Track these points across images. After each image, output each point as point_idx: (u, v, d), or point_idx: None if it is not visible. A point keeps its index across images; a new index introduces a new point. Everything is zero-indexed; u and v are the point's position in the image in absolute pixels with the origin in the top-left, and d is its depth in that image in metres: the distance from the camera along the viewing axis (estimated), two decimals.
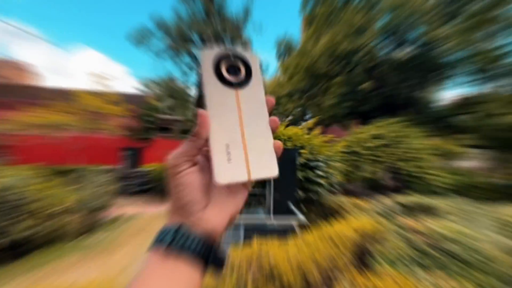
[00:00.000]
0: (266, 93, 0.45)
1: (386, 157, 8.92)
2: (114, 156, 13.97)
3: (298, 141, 5.78)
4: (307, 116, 23.47)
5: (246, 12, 14.19)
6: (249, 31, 20.34)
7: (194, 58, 14.26)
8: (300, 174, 5.14)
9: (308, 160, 5.34)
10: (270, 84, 26.12)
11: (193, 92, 15.17)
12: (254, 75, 0.43)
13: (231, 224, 0.41)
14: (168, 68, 19.19)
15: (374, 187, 15.26)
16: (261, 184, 5.81)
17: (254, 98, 0.42)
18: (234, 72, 0.42)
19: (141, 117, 17.37)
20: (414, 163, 8.84)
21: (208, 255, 0.37)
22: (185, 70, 14.74)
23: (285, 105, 19.10)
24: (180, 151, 0.39)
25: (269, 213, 4.40)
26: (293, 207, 4.02)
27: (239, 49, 0.43)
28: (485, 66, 12.80)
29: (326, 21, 15.75)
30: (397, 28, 12.83)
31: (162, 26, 13.38)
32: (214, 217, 0.38)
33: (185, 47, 12.91)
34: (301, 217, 3.48)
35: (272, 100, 0.44)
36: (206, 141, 0.39)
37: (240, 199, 0.41)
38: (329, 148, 6.08)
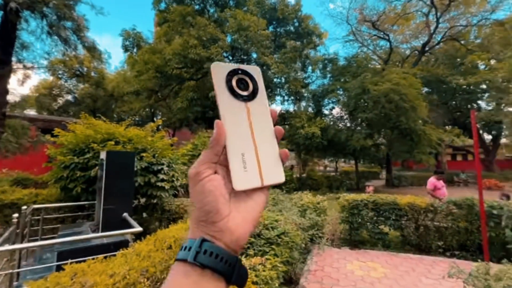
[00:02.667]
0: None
1: None
2: None
3: (140, 143, 5.29)
4: (157, 118, 22.27)
5: None
6: (85, 9, 16.74)
7: None
8: (140, 179, 4.71)
9: (151, 163, 5.01)
10: (114, 78, 22.69)
11: None
12: (259, 89, 0.45)
13: (253, 232, 0.33)
14: None
15: None
16: (91, 194, 4.84)
17: (261, 110, 0.44)
18: (244, 86, 0.44)
19: None
20: None
21: (232, 270, 0.36)
22: None
23: (131, 104, 17.20)
24: (201, 159, 0.40)
25: (98, 228, 3.71)
26: (128, 218, 3.59)
27: (245, 66, 0.45)
28: (296, 90, 17.23)
29: (180, 23, 15.67)
30: (240, 47, 14.74)
31: None
32: (237, 227, 0.37)
33: None
34: (137, 227, 3.17)
35: (275, 111, 0.46)
36: (223, 149, 0.40)
37: (260, 204, 0.41)
38: (175, 151, 5.99)
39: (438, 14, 19.45)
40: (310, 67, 21.02)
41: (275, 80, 17.40)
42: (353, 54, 20.79)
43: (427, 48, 20.97)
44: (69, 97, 23.20)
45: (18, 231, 3.33)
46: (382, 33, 21.40)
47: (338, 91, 17.40)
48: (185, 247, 0.37)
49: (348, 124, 16.81)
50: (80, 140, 5.15)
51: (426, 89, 20.60)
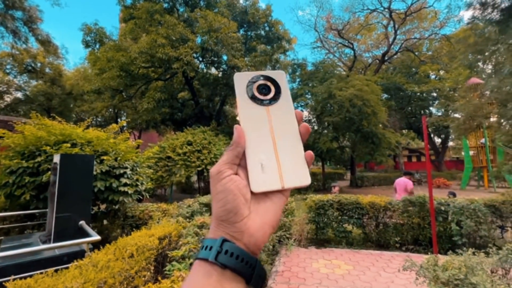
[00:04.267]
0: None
1: (198, 161, 9.81)
2: None
3: (100, 145, 4.96)
4: (121, 119, 21.07)
5: None
6: (39, 0, 15.32)
7: None
8: (100, 184, 4.40)
9: (112, 167, 4.71)
10: (73, 76, 21.04)
11: None
12: (283, 91, 0.46)
13: (271, 235, 0.29)
14: None
15: (186, 190, 16.16)
16: (42, 201, 4.41)
17: (284, 113, 0.44)
18: (265, 91, 0.45)
19: None
20: None
21: (252, 271, 0.36)
22: None
23: (92, 103, 16.05)
24: (223, 159, 0.40)
25: (49, 238, 3.39)
26: (85, 226, 3.33)
27: (268, 71, 0.46)
28: None
29: (148, 20, 15.02)
30: (210, 48, 14.57)
31: None
32: (256, 229, 0.38)
33: None
34: (95, 236, 2.95)
35: (300, 113, 0.46)
36: (244, 152, 0.41)
37: (280, 207, 0.41)
38: (139, 154, 5.72)
39: (396, 26, 21.14)
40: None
41: None
42: (321, 60, 21.72)
43: (386, 58, 22.66)
44: (19, 95, 20.99)
45: None
46: (347, 41, 22.67)
47: (307, 95, 18.01)
48: (206, 247, 0.37)
49: (316, 127, 17.45)
50: (30, 142, 4.69)
51: (385, 96, 22.21)
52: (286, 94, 0.46)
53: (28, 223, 4.81)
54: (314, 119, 17.41)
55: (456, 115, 18.73)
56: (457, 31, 19.90)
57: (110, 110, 19.72)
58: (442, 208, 5.11)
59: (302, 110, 19.63)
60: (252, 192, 0.39)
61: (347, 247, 5.47)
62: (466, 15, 32.87)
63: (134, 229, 4.61)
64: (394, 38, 21.58)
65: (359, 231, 5.87)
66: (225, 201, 0.38)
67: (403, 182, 6.40)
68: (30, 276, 2.11)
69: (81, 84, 18.05)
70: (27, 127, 4.89)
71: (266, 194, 0.40)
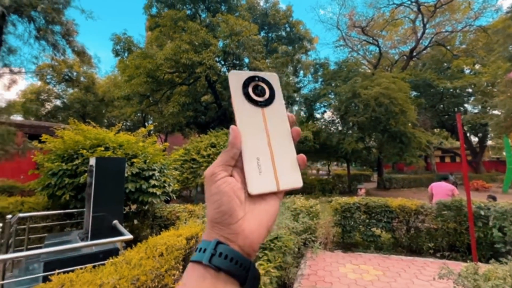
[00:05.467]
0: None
1: None
2: None
3: (130, 149, 5.22)
4: (149, 123, 22.02)
5: None
6: (75, 14, 16.51)
7: None
8: (131, 185, 4.63)
9: (142, 169, 4.94)
10: (104, 83, 22.39)
11: None
12: (277, 94, 0.46)
13: (266, 237, 0.37)
14: None
15: None
16: (79, 201, 4.73)
17: (278, 115, 0.44)
18: (260, 92, 0.44)
19: None
20: None
21: (246, 273, 0.36)
22: None
23: (122, 108, 16.96)
24: (218, 161, 0.40)
25: (87, 236, 3.62)
26: (118, 225, 3.52)
27: (262, 72, 0.46)
28: (288, 95, 17.37)
29: (172, 27, 15.62)
30: (232, 51, 14.79)
31: None
32: (251, 230, 0.37)
33: None
34: (128, 235, 3.10)
35: (293, 116, 0.47)
36: (240, 153, 0.40)
37: (274, 210, 0.41)
38: (166, 156, 5.93)
39: (425, 20, 20.05)
40: (301, 72, 21.27)
41: None
42: (344, 58, 21.16)
43: (414, 53, 21.54)
44: (58, 102, 22.72)
45: (2, 241, 3.22)
46: (371, 38, 21.89)
47: (330, 95, 17.63)
48: (200, 249, 0.37)
49: (340, 128, 17.00)
50: (69, 146, 5.05)
51: (414, 93, 21.10)
52: (279, 97, 0.46)
53: (68, 221, 5.18)
54: (338, 119, 16.98)
55: (495, 112, 17.32)
56: (495, 21, 18.42)
57: (138, 114, 20.70)
58: (482, 212, 4.73)
59: (325, 111, 19.32)
60: (248, 194, 0.39)
61: (376, 252, 5.25)
62: (505, 3, 30.32)
63: (162, 229, 4.80)
64: (423, 33, 20.46)
65: (389, 236, 5.61)
66: (219, 203, 0.37)
67: (445, 187, 5.64)
68: (72, 271, 2.26)
69: (112, 91, 19.15)
70: (66, 132, 5.27)
71: (261, 196, 0.40)
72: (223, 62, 16.63)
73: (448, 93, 22.62)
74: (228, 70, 17.40)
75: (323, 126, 17.72)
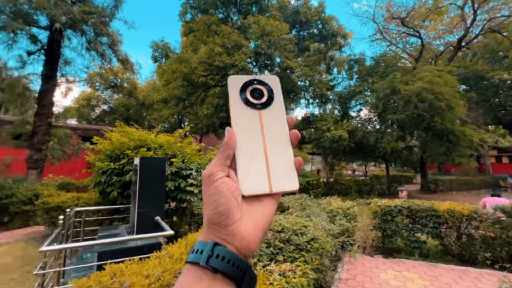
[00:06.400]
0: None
1: None
2: None
3: (170, 149, 5.50)
4: (185, 124, 23.06)
5: (117, 1, 12.33)
6: (119, 25, 17.94)
7: (39, 44, 11.00)
8: (170, 184, 4.88)
9: (180, 169, 5.18)
10: (145, 88, 23.97)
11: (36, 86, 11.57)
12: (276, 97, 0.46)
13: (263, 239, 0.36)
14: None
15: None
16: (125, 198, 5.12)
17: (276, 118, 0.45)
18: (258, 95, 0.45)
19: None
20: None
21: (243, 275, 0.36)
22: (24, 56, 11.08)
23: (160, 111, 18.01)
24: (214, 161, 0.40)
25: (133, 230, 3.90)
26: (160, 221, 3.73)
27: (262, 76, 0.47)
28: (321, 93, 16.93)
29: (205, 31, 16.19)
30: (264, 52, 14.85)
31: None
32: (248, 232, 0.37)
33: (22, 27, 9.67)
34: (169, 230, 3.28)
35: (293, 118, 0.46)
36: (234, 154, 0.41)
37: (271, 211, 0.41)
38: (202, 156, 6.15)
39: (475, 5, 18.10)
40: (335, 69, 20.57)
41: (299, 83, 17.25)
42: (381, 53, 19.97)
43: (463, 43, 19.55)
44: (105, 107, 24.89)
45: (63, 232, 3.61)
46: (412, 30, 20.37)
47: (366, 92, 16.78)
48: (197, 250, 0.37)
49: (378, 126, 16.10)
50: (116, 147, 5.48)
51: (463, 87, 19.15)
52: (279, 99, 0.46)
53: (115, 216, 5.64)
54: (376, 117, 16.11)
55: None
56: None
57: (175, 116, 21.77)
58: None
59: (360, 109, 18.45)
60: (242, 195, 0.39)
61: (421, 259, 4.87)
62: None
63: (200, 226, 4.98)
64: (474, 20, 18.48)
65: (436, 242, 5.17)
66: (217, 204, 0.37)
67: (501, 202, 4.94)
68: (122, 261, 2.45)
69: (151, 95, 20.42)
70: (114, 134, 5.73)
71: (257, 198, 0.40)
72: (254, 63, 16.77)
73: (505, 86, 20.11)
74: (260, 70, 17.51)
75: (359, 125, 16.94)
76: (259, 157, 0.42)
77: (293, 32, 18.94)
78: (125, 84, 23.30)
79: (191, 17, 18.92)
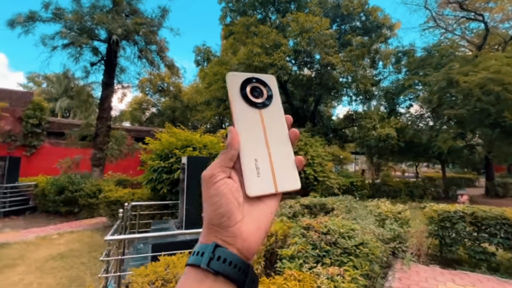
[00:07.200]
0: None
1: None
2: None
3: (213, 149, 5.72)
4: (225, 125, 23.83)
5: (163, 11, 13.30)
6: (165, 33, 19.28)
7: (99, 55, 12.41)
8: None
9: None
10: (188, 91, 25.36)
11: (97, 93, 13.07)
12: (274, 96, 0.47)
13: (264, 240, 0.40)
14: (65, 63, 16.14)
15: None
16: (174, 194, 5.46)
17: (276, 117, 0.45)
18: (258, 94, 0.45)
19: (23, 119, 13.86)
20: (317, 168, 10.07)
21: (245, 277, 0.36)
22: (88, 67, 12.61)
23: (203, 112, 18.86)
24: (216, 162, 0.40)
25: (181, 225, 4.14)
26: None
27: (260, 74, 0.47)
28: (365, 89, 16.00)
29: (244, 33, 16.50)
30: (303, 49, 14.58)
31: (57, 13, 11.10)
32: (250, 233, 0.37)
33: (86, 42, 11.00)
34: None
35: (290, 117, 0.47)
36: (238, 155, 0.41)
37: (273, 212, 0.41)
38: None
39: None
40: (381, 63, 19.27)
41: (341, 79, 16.54)
42: (435, 42, 18.09)
43: None
44: (154, 110, 26.99)
45: (122, 223, 3.98)
46: (473, 14, 18.05)
47: (417, 86, 15.38)
48: (197, 252, 0.37)
49: (431, 123, 14.64)
50: (165, 147, 5.89)
51: None
52: (277, 98, 0.46)
53: (165, 211, 6.06)
54: (428, 113, 14.68)
55: None
56: None
57: (216, 117, 22.61)
58: None
59: (410, 105, 16.96)
60: (246, 196, 0.38)
61: (489, 273, 4.28)
62: None
63: None
64: None
65: (508, 255, 4.51)
66: (218, 205, 0.37)
67: None
68: (173, 254, 2.62)
69: (195, 97, 21.50)
70: (163, 135, 6.16)
71: (259, 198, 0.39)
72: (293, 61, 16.57)
73: None
74: (299, 69, 17.24)
75: (409, 122, 15.62)
76: (263, 157, 0.41)
77: (334, 26, 18.22)
78: (171, 88, 24.94)
79: (231, 20, 19.43)
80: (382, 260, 3.54)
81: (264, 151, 0.42)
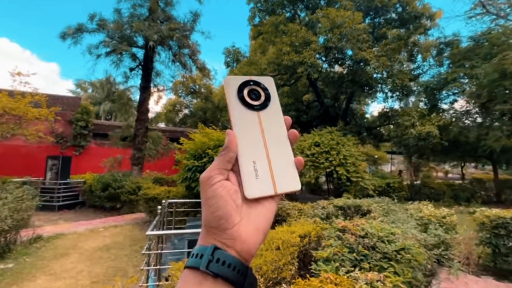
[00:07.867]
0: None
1: (326, 162, 9.66)
2: (36, 166, 11.93)
3: None
4: None
5: (195, 15, 13.81)
6: (197, 36, 19.94)
7: (137, 61, 13.28)
8: None
9: None
10: (219, 92, 26.01)
11: (136, 96, 14.05)
12: (272, 98, 0.47)
13: (263, 242, 0.40)
14: (107, 69, 17.59)
15: (315, 191, 16.24)
16: None
17: (274, 118, 0.46)
18: (255, 96, 0.46)
19: (73, 121, 15.34)
20: (350, 168, 9.70)
21: (244, 279, 0.36)
22: (127, 72, 13.57)
23: None
24: (214, 165, 0.41)
25: None
26: None
27: (257, 77, 0.48)
28: (402, 84, 15.04)
29: (273, 32, 16.46)
30: (334, 46, 14.13)
31: (101, 24, 12.10)
32: (249, 235, 0.38)
33: (126, 49, 11.84)
34: None
35: (289, 118, 0.48)
36: (236, 157, 0.41)
37: (271, 213, 0.42)
38: None
39: None
40: (419, 56, 17.96)
41: (375, 75, 15.73)
42: (484, 30, 16.40)
43: None
44: (186, 111, 28.13)
45: (160, 219, 4.20)
46: None
47: (462, 80, 14.08)
48: (196, 254, 0.36)
49: (479, 120, 13.32)
50: (198, 147, 6.09)
51: None
52: (275, 100, 0.47)
53: (199, 208, 6.27)
54: (476, 109, 13.37)
55: None
56: None
57: None
58: None
59: (455, 100, 15.56)
60: (245, 198, 0.38)
61: None
62: None
63: (274, 224, 5.07)
64: None
65: None
66: (216, 207, 0.37)
67: None
68: None
69: (225, 98, 21.97)
70: (196, 135, 6.39)
71: (257, 200, 0.39)
72: (324, 58, 16.13)
73: None
74: (330, 66, 16.75)
75: (453, 119, 14.35)
76: (261, 159, 0.42)
77: (367, 20, 17.37)
78: (202, 90, 25.78)
79: (259, 20, 19.49)
80: (426, 267, 3.30)
81: (262, 153, 0.42)
